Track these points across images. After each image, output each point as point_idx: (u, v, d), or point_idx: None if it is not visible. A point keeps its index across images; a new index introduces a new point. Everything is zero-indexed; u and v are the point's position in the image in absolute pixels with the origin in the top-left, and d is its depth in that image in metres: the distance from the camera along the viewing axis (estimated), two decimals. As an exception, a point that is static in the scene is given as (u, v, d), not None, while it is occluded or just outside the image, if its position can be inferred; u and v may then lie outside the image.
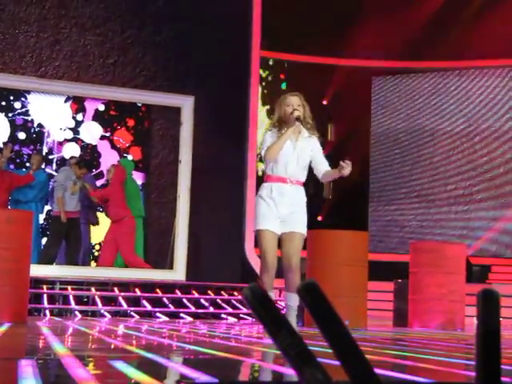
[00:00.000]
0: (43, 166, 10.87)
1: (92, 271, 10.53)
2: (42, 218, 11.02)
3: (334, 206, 14.45)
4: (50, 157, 11.18)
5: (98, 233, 11.13)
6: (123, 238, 10.66)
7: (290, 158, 5.20)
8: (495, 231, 13.93)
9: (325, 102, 14.73)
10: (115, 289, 9.53)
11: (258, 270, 12.10)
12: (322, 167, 5.31)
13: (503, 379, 0.99)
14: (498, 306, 1.04)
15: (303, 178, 5.35)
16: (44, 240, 10.94)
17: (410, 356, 3.98)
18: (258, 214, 5.16)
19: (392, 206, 14.58)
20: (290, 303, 5.24)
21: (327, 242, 7.63)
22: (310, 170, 5.41)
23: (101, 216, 11.30)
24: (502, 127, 14.18)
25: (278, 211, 5.15)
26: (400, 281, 8.82)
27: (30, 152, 11.00)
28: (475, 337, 1.03)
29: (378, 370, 0.99)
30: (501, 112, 14.21)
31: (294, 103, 5.20)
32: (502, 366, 1.00)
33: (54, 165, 11.19)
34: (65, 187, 10.53)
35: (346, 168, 5.07)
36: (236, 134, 12.09)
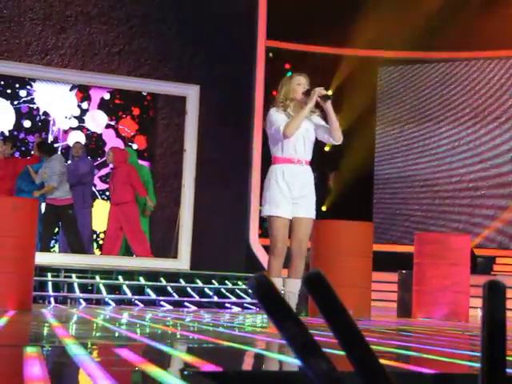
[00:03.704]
0: None
1: (96, 259, 10.55)
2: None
3: (338, 196, 14.44)
4: (55, 145, 11.18)
5: (103, 221, 11.14)
6: (127, 221, 10.63)
7: (298, 138, 5.16)
8: (500, 222, 13.91)
9: (330, 92, 14.70)
10: (119, 277, 9.56)
11: (262, 260, 12.15)
12: (326, 132, 5.26)
13: (509, 371, 0.99)
14: (504, 298, 1.04)
15: (310, 158, 5.33)
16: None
17: (414, 347, 3.98)
18: (271, 199, 5.04)
19: (397, 196, 14.57)
20: (293, 290, 5.19)
21: (332, 232, 7.63)
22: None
23: (104, 204, 11.30)
24: (509, 119, 14.13)
25: (291, 194, 5.07)
26: (404, 272, 8.82)
27: (36, 140, 11.00)
28: (480, 328, 1.03)
29: (382, 361, 0.99)
30: (508, 103, 14.17)
31: (305, 82, 5.16)
32: (508, 358, 1.00)
33: (59, 153, 11.19)
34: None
35: (315, 94, 5.05)
36: (241, 123, 12.07)
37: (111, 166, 10.92)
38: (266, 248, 12.52)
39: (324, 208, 14.29)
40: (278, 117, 5.07)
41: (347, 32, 13.63)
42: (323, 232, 7.66)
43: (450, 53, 14.34)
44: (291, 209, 5.07)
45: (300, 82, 5.14)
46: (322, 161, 14.33)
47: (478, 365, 1.00)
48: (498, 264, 13.57)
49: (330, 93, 5.13)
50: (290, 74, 14.48)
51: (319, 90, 5.06)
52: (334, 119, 5.00)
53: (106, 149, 11.37)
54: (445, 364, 3.03)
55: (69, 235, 10.59)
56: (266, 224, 5.17)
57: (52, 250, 10.85)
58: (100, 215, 11.21)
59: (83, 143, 11.16)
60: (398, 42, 13.97)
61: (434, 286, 8.23)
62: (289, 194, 5.04)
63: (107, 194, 11.44)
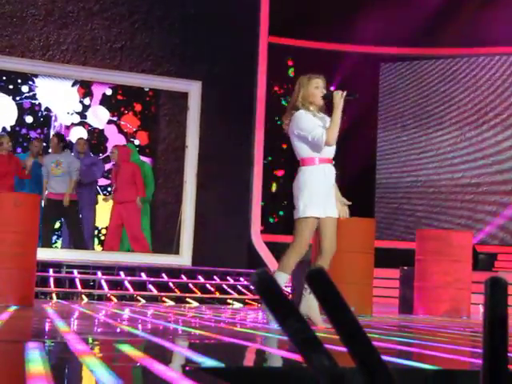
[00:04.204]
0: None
1: (98, 255, 10.55)
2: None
3: (340, 192, 14.43)
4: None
5: (105, 217, 11.14)
6: (130, 219, 10.64)
7: None
8: (502, 219, 13.90)
9: (332, 89, 14.67)
10: (121, 273, 9.57)
11: (263, 255, 12.14)
12: None
13: (511, 367, 0.99)
14: (506, 294, 1.04)
15: None
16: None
17: (415, 343, 3.99)
18: (311, 199, 4.97)
19: (399, 193, 14.56)
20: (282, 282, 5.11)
21: (333, 228, 7.61)
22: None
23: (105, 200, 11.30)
24: (510, 115, 14.12)
25: (329, 194, 5.06)
26: (406, 268, 8.82)
27: (38, 136, 11.00)
28: (482, 324, 1.03)
29: (383, 357, 0.99)
30: (510, 100, 14.15)
31: (323, 85, 5.12)
32: (510, 354, 1.00)
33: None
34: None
35: (342, 99, 5.02)
36: (243, 119, 12.06)
37: (113, 162, 10.92)
38: (268, 244, 12.55)
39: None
40: (311, 121, 4.98)
41: (349, 28, 13.61)
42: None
43: (451, 49, 14.32)
44: (325, 209, 5.05)
45: (318, 85, 5.08)
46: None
47: (479, 361, 1.00)
48: (499, 260, 13.57)
49: (341, 93, 5.05)
50: (291, 70, 14.45)
51: (344, 93, 5.00)
52: (338, 117, 4.95)
53: (108, 144, 11.36)
54: (446, 360, 3.04)
55: (73, 231, 10.60)
56: (299, 223, 5.03)
57: (54, 245, 10.85)
58: (101, 211, 11.21)
59: (85, 139, 11.16)
60: (400, 39, 13.96)
61: (436, 283, 8.23)
62: (327, 195, 5.02)
63: (109, 189, 11.44)
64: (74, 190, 10.51)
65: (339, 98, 4.94)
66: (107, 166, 11.38)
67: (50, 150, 10.75)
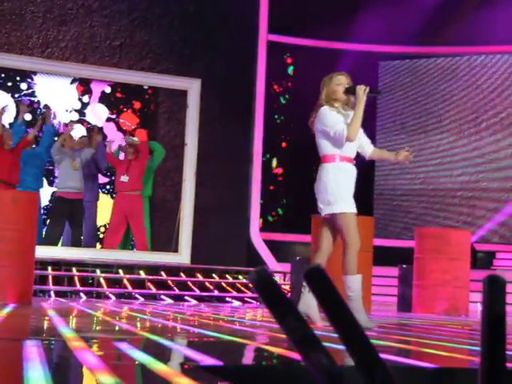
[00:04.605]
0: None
1: (97, 253, 10.55)
2: (46, 199, 11.02)
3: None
4: (56, 138, 11.17)
5: (103, 214, 11.14)
6: (136, 213, 10.61)
7: None
8: (500, 218, 13.91)
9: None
10: (120, 271, 9.57)
11: (262, 254, 12.13)
12: (368, 146, 5.25)
13: (508, 365, 0.99)
14: (504, 292, 1.04)
15: None
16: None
17: (414, 341, 3.99)
18: (344, 196, 4.95)
19: (398, 190, 14.57)
20: (359, 284, 5.03)
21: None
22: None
23: (104, 197, 11.30)
24: (510, 114, 14.12)
25: (351, 191, 5.08)
26: (404, 266, 8.82)
27: (36, 133, 10.98)
28: (480, 323, 1.03)
29: (382, 355, 0.99)
30: (509, 99, 14.16)
31: (345, 81, 5.12)
32: (507, 352, 1.00)
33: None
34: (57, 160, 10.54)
35: (405, 155, 5.10)
36: (242, 118, 12.06)
37: (129, 155, 10.80)
38: (267, 242, 12.56)
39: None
40: (334, 117, 4.99)
41: (348, 26, 13.60)
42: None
43: (451, 47, 14.32)
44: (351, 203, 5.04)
45: (340, 82, 5.10)
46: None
47: (477, 359, 1.00)
48: (498, 259, 13.58)
49: (364, 88, 5.03)
50: (291, 68, 14.44)
51: (367, 88, 5.00)
52: (360, 112, 4.95)
53: (106, 143, 11.35)
54: (445, 358, 3.04)
55: (76, 229, 10.60)
56: (341, 218, 4.96)
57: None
58: (100, 208, 11.21)
59: (80, 137, 11.12)
60: (399, 37, 13.95)
61: (435, 281, 8.24)
62: (348, 189, 5.02)
63: (108, 187, 11.44)
64: (82, 188, 10.56)
65: (362, 93, 4.95)
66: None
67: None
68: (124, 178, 10.56)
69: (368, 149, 5.25)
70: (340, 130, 4.92)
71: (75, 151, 10.61)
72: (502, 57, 14.23)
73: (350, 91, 5.04)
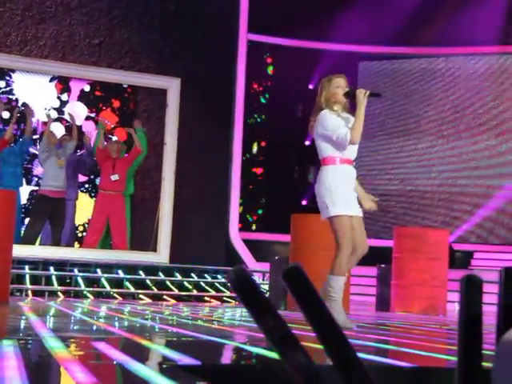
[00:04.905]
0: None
1: (75, 252, 10.49)
2: (25, 198, 10.95)
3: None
4: (35, 137, 11.10)
5: (82, 214, 11.09)
6: (117, 213, 10.59)
7: None
8: (478, 217, 14.01)
9: (311, 87, 14.72)
10: (98, 270, 9.52)
11: (242, 253, 12.13)
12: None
13: (484, 364, 1.00)
14: (481, 292, 1.04)
15: None
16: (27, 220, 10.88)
17: (392, 340, 4.01)
18: (339, 198, 4.96)
19: (376, 191, 14.62)
20: (341, 285, 5.04)
21: (311, 226, 7.64)
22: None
23: (83, 196, 11.25)
24: (487, 114, 14.23)
25: (352, 193, 5.09)
26: (383, 266, 8.86)
27: (14, 132, 10.92)
28: (457, 322, 1.04)
29: (360, 355, 1.00)
30: (486, 99, 14.26)
31: (344, 84, 5.12)
32: (484, 352, 1.00)
33: (38, 145, 11.11)
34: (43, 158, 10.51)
35: (371, 205, 5.12)
36: (222, 116, 12.05)
37: (113, 153, 10.81)
38: (246, 241, 12.56)
39: (304, 202, 14.31)
40: (335, 121, 4.99)
41: (328, 26, 13.63)
42: (303, 226, 7.68)
43: (429, 48, 14.40)
44: (351, 207, 5.06)
45: (339, 85, 5.09)
46: (303, 155, 14.34)
47: (455, 359, 1.00)
48: (475, 259, 13.67)
49: (364, 91, 5.03)
50: (270, 68, 14.43)
51: (367, 92, 5.01)
52: (362, 116, 4.96)
53: (84, 138, 11.28)
54: (423, 358, 3.05)
55: (56, 227, 10.54)
56: (335, 222, 4.98)
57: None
58: (79, 207, 11.16)
59: (63, 134, 11.08)
60: (379, 37, 14.01)
61: (413, 281, 8.28)
62: (349, 192, 5.04)
63: (86, 186, 11.39)
64: (65, 186, 10.54)
65: (363, 96, 4.96)
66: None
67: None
68: (115, 177, 10.58)
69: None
70: (343, 134, 4.93)
71: (59, 148, 10.58)
72: (481, 58, 14.33)
73: (351, 95, 5.05)
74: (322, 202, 5.04)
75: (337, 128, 4.95)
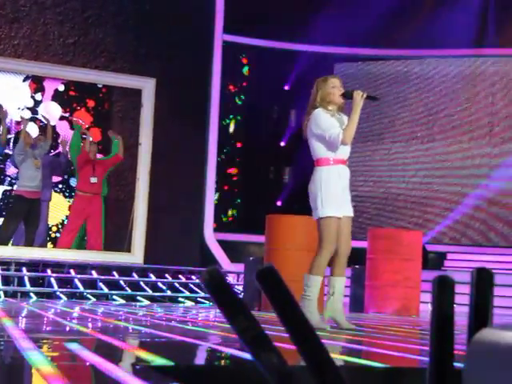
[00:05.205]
0: None
1: (48, 253, 10.42)
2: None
3: (293, 191, 14.50)
4: (8, 136, 11.01)
5: (55, 214, 11.01)
6: (95, 214, 10.58)
7: None
8: (451, 219, 14.11)
9: (286, 88, 14.74)
10: (71, 271, 9.47)
11: (216, 254, 12.12)
12: None
13: (456, 365, 1.00)
14: (453, 293, 1.05)
15: None
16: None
17: (365, 341, 4.02)
18: (329, 199, 4.97)
19: (351, 192, 14.67)
20: (340, 286, 5.06)
21: (285, 226, 7.66)
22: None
23: (57, 196, 11.18)
24: (460, 116, 14.34)
25: (344, 193, 5.09)
26: (357, 267, 8.90)
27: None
28: (430, 323, 1.04)
29: (333, 355, 1.00)
30: (461, 102, 14.37)
31: (340, 85, 5.14)
32: (455, 352, 1.01)
33: (12, 145, 11.02)
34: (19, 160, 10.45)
35: (362, 99, 5.11)
36: (197, 117, 12.04)
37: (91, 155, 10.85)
38: (221, 242, 12.54)
39: (278, 203, 14.33)
40: (328, 120, 5.00)
41: (304, 28, 13.67)
42: (277, 226, 7.70)
43: (404, 50, 14.49)
44: (341, 208, 5.07)
45: (335, 85, 5.11)
46: (278, 156, 14.36)
47: (427, 359, 1.01)
48: (448, 260, 13.77)
49: (361, 93, 5.07)
50: (246, 68, 14.45)
51: (364, 94, 5.04)
52: (356, 117, 4.99)
53: (60, 141, 11.23)
54: (395, 358, 3.07)
55: (31, 228, 10.48)
56: (322, 223, 5.00)
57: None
58: (53, 209, 11.09)
59: (37, 135, 11.01)
60: (354, 39, 14.07)
61: (386, 281, 8.32)
62: (341, 193, 5.05)
63: (60, 186, 11.32)
64: (41, 187, 10.50)
65: (359, 98, 4.99)
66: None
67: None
68: (94, 180, 10.57)
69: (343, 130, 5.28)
70: (335, 134, 4.95)
71: (35, 149, 10.54)
72: (455, 60, 14.44)
73: (348, 95, 5.08)
74: (313, 202, 5.07)
75: (330, 127, 4.98)
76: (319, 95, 5.11)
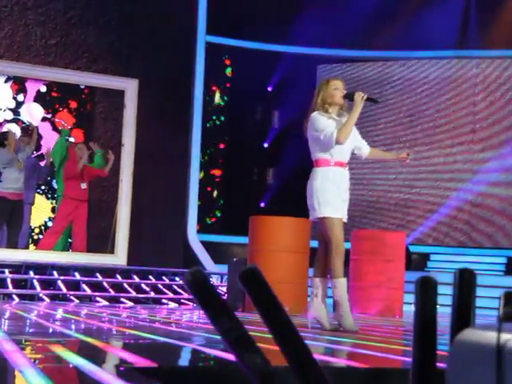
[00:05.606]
0: None
1: (31, 254, 10.37)
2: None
3: (276, 192, 14.51)
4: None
5: (38, 216, 10.96)
6: (81, 217, 10.60)
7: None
8: (434, 221, 14.17)
9: (270, 89, 14.76)
10: (54, 272, 9.42)
11: (200, 255, 12.10)
12: (365, 147, 5.33)
13: (439, 365, 1.01)
14: (436, 293, 1.05)
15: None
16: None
17: (348, 342, 4.03)
18: (327, 200, 5.00)
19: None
20: (342, 287, 5.07)
21: (269, 228, 7.66)
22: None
23: (40, 198, 11.13)
24: (443, 118, 14.41)
25: (341, 197, 5.11)
26: (340, 268, 8.90)
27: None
28: (412, 323, 1.05)
29: (317, 356, 1.00)
30: (441, 102, 14.44)
31: (342, 87, 5.17)
32: (438, 353, 1.02)
33: None
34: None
35: (407, 159, 5.29)
36: (180, 119, 12.02)
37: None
38: (204, 243, 12.53)
39: (262, 204, 14.34)
40: (324, 122, 5.03)
41: (287, 29, 13.69)
42: (261, 227, 7.70)
43: (386, 52, 14.54)
44: (338, 210, 5.10)
45: (337, 87, 5.14)
46: (262, 157, 14.37)
47: (410, 359, 1.01)
48: (431, 260, 13.83)
49: (359, 94, 5.12)
50: (229, 70, 14.44)
51: (365, 96, 5.08)
52: (354, 117, 5.02)
53: (43, 142, 11.17)
54: (379, 359, 3.08)
55: (14, 229, 10.45)
56: (325, 224, 5.01)
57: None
58: (35, 210, 11.03)
59: (20, 136, 10.95)
60: (337, 41, 14.10)
61: (370, 282, 8.35)
62: (340, 198, 5.07)
63: (43, 188, 11.27)
64: (23, 189, 10.50)
65: (360, 99, 5.03)
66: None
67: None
68: (84, 186, 10.63)
69: (365, 150, 5.34)
70: (329, 133, 4.98)
71: (19, 152, 10.54)
72: (437, 62, 14.51)
73: (349, 97, 5.11)
74: (310, 204, 5.10)
75: (324, 128, 5.02)
76: (320, 97, 5.16)
